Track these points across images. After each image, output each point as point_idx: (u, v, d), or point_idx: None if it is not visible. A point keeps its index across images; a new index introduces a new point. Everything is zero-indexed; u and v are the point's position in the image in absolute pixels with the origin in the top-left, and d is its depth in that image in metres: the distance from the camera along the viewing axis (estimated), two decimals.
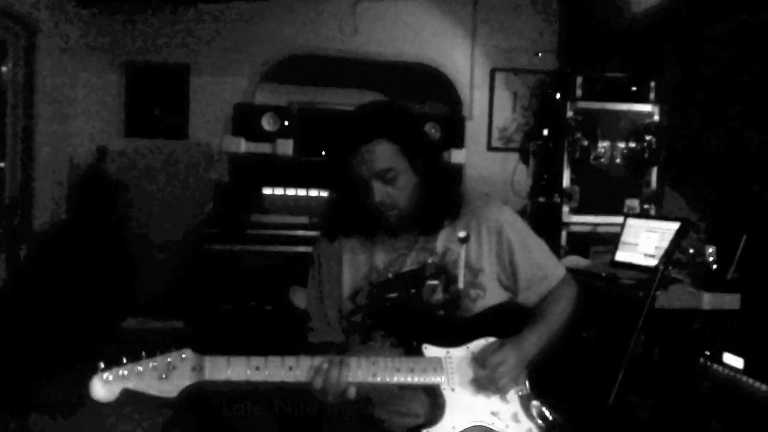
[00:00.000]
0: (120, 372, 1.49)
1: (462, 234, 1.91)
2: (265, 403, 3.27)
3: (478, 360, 1.79)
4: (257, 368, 1.61)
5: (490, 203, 1.99)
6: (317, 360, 1.67)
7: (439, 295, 1.88)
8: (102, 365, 1.49)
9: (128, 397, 1.48)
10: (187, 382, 1.54)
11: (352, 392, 1.67)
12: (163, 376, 1.52)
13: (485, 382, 1.76)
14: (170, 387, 1.52)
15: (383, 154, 1.80)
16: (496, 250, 1.92)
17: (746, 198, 3.53)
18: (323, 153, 5.05)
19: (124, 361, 1.51)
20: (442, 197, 1.92)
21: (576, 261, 3.60)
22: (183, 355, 1.55)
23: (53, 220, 5.12)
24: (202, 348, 1.60)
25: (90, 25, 5.51)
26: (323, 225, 2.06)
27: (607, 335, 3.21)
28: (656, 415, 2.77)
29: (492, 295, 1.90)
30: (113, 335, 4.86)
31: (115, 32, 5.59)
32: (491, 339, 1.84)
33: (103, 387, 1.48)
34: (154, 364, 1.52)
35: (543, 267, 1.97)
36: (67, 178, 5.38)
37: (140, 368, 1.51)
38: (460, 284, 1.87)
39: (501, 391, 1.79)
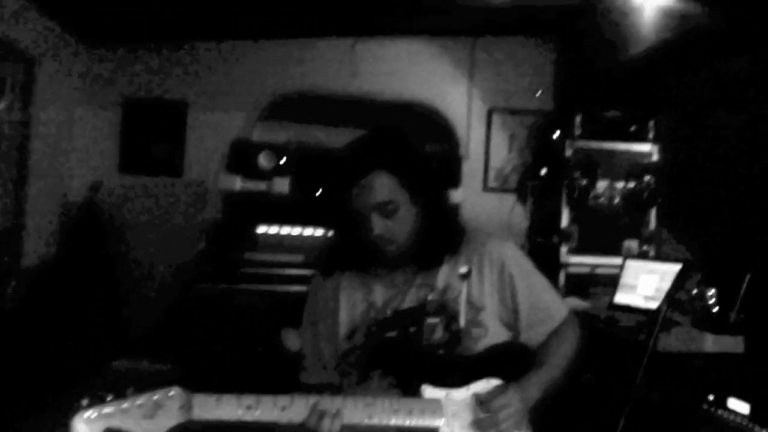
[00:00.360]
0: (104, 410, 1.42)
1: (463, 270, 1.85)
2: None
3: (481, 402, 1.72)
4: (248, 407, 1.54)
5: (492, 238, 1.94)
6: (312, 399, 1.60)
7: (439, 334, 1.82)
8: (85, 402, 1.42)
9: None
10: (174, 422, 1.47)
11: None
12: (150, 414, 1.44)
13: (487, 425, 1.69)
14: (156, 427, 1.45)
15: (382, 186, 1.75)
16: (497, 286, 1.86)
17: (747, 239, 3.49)
18: (319, 192, 5.03)
19: (109, 398, 1.44)
20: (443, 231, 1.86)
21: (574, 303, 3.54)
22: (170, 393, 1.49)
23: (43, 257, 5.04)
24: (191, 388, 1.54)
25: (89, 61, 5.50)
26: (320, 261, 2.00)
27: (606, 379, 3.14)
28: None
29: (494, 334, 1.83)
30: (101, 375, 4.74)
31: (113, 69, 5.59)
32: (493, 380, 1.78)
33: (86, 426, 1.40)
34: (140, 402, 1.45)
35: (546, 306, 1.91)
36: (60, 214, 5.32)
37: (125, 406, 1.43)
38: (462, 322, 1.80)
39: None
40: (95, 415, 1.40)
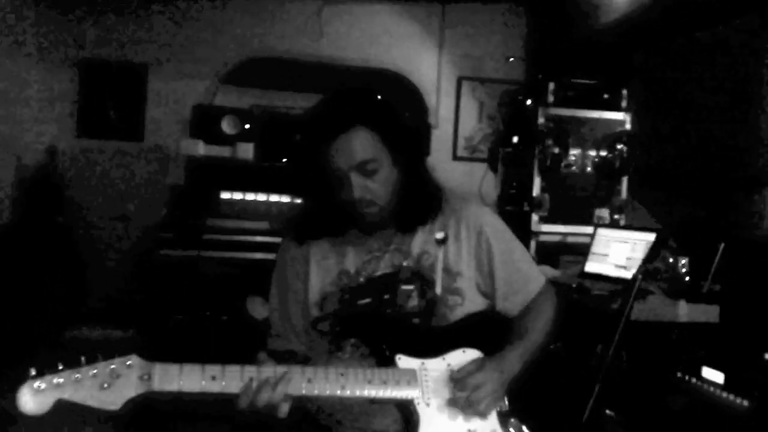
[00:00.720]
0: (54, 380, 1.30)
1: (440, 235, 1.77)
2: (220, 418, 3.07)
3: (457, 380, 1.63)
4: (213, 378, 1.43)
5: (469, 203, 1.86)
6: (280, 369, 1.50)
7: (414, 302, 1.74)
8: (33, 372, 1.30)
9: (63, 409, 1.29)
10: (132, 393, 1.36)
11: (283, 410, 1.50)
12: (105, 385, 1.33)
13: (464, 404, 1.61)
14: (113, 398, 1.34)
15: (363, 143, 1.64)
16: (475, 252, 1.78)
17: (719, 209, 3.48)
18: (286, 157, 4.92)
19: (60, 367, 1.32)
20: (425, 194, 1.77)
21: (545, 271, 3.48)
22: (129, 362, 1.37)
23: None
24: (154, 359, 1.42)
25: (44, 20, 5.25)
26: (290, 225, 1.89)
27: (576, 348, 3.11)
28: (631, 430, 2.66)
29: (470, 301, 1.76)
30: (57, 343, 4.61)
31: (70, 29, 5.35)
32: (469, 350, 1.71)
33: (34, 397, 1.28)
34: (95, 371, 1.33)
35: (523, 274, 1.85)
36: (15, 178, 5.11)
37: (78, 375, 1.31)
38: (438, 289, 1.73)
39: (481, 414, 1.64)
40: (44, 385, 1.29)
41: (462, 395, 1.61)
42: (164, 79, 5.49)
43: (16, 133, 5.10)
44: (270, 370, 1.49)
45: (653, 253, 2.39)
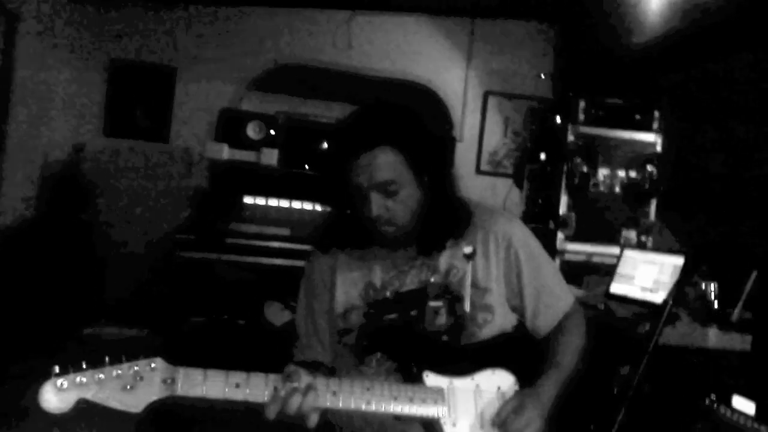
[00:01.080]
0: (78, 379, 1.27)
1: (468, 249, 1.72)
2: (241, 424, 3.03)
3: (498, 417, 1.58)
4: (237, 386, 1.40)
5: (498, 215, 1.81)
6: (305, 380, 1.46)
7: (443, 319, 1.69)
8: (57, 369, 1.27)
9: (84, 409, 1.27)
10: (155, 397, 1.33)
11: (313, 420, 1.46)
12: (128, 387, 1.30)
13: None
14: (135, 400, 1.31)
15: (386, 163, 1.60)
16: (504, 266, 1.73)
17: (748, 236, 3.41)
18: (308, 165, 4.91)
19: (84, 366, 1.29)
20: (448, 217, 1.71)
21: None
22: (153, 365, 1.34)
23: (22, 217, 4.86)
24: (170, 361, 1.39)
25: (77, 18, 5.29)
26: (318, 236, 1.86)
27: (599, 370, 3.05)
28: None
29: (500, 317, 1.71)
30: (75, 341, 4.60)
31: (102, 28, 5.38)
32: (498, 370, 1.66)
33: (56, 395, 1.25)
34: (119, 372, 1.30)
35: (552, 291, 1.79)
36: (40, 175, 5.13)
37: (102, 376, 1.29)
38: (467, 306, 1.68)
39: None
40: (67, 383, 1.26)
41: (496, 429, 1.57)
42: (192, 82, 5.52)
43: (44, 129, 5.12)
44: (296, 381, 1.45)
45: (686, 277, 2.34)
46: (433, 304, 1.70)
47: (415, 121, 1.68)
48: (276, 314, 4.22)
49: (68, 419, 1.30)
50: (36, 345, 3.86)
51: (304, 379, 1.45)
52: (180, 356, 1.42)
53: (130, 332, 4.84)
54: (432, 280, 1.72)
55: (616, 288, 3.41)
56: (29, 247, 4.61)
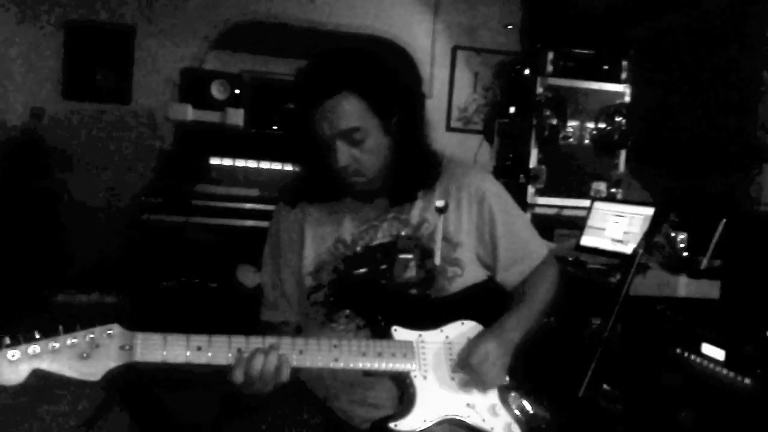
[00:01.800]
0: (30, 349, 1.22)
1: (440, 203, 1.68)
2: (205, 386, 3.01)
3: (460, 358, 1.57)
4: (199, 349, 1.36)
5: (471, 169, 1.77)
6: (269, 340, 1.43)
7: (412, 272, 1.66)
8: (8, 341, 1.22)
9: (40, 379, 1.22)
10: (113, 364, 1.28)
11: (285, 375, 1.42)
12: (84, 355, 1.25)
13: (474, 383, 1.55)
14: (92, 369, 1.26)
15: (350, 110, 1.54)
16: (476, 221, 1.70)
17: (718, 184, 3.42)
18: (275, 125, 4.83)
19: (37, 336, 1.24)
20: (418, 165, 1.66)
21: None
22: (109, 332, 1.29)
23: None
24: (141, 327, 1.34)
25: None
26: (286, 190, 1.80)
27: (570, 322, 3.06)
28: (628, 406, 2.62)
29: (470, 272, 1.69)
30: (45, 308, 4.53)
31: None
32: (467, 322, 1.64)
33: (8, 367, 1.20)
34: (74, 341, 1.25)
35: (526, 244, 1.77)
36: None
37: (56, 345, 1.24)
38: (437, 260, 1.65)
39: (490, 387, 1.58)
40: (18, 355, 1.21)
41: (467, 375, 1.55)
42: (152, 41, 5.37)
43: (1, 94, 4.97)
44: (258, 341, 1.42)
45: (655, 226, 2.33)
46: (402, 257, 1.67)
47: (378, 65, 1.61)
48: (248, 276, 4.17)
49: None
50: (4, 315, 3.78)
51: (266, 339, 1.42)
52: (151, 321, 1.38)
53: (101, 298, 4.78)
54: (403, 233, 1.68)
55: (587, 240, 3.41)
56: None
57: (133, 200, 4.71)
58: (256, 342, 1.42)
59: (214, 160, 4.42)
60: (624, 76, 3.96)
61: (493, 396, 1.60)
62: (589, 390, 2.06)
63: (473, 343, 1.57)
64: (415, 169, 1.66)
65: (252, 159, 4.49)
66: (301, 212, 1.75)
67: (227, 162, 4.44)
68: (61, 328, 1.25)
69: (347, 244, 1.70)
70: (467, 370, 1.55)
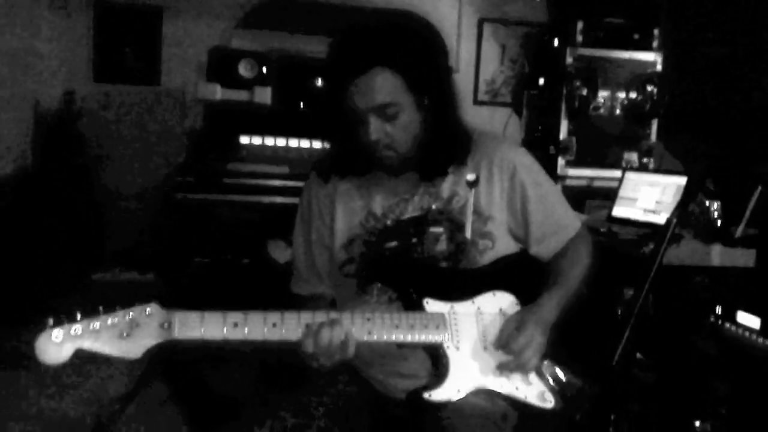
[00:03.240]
0: (73, 329, 1.25)
1: (471, 177, 1.68)
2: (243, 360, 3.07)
3: (500, 341, 1.57)
4: (235, 325, 1.38)
5: (502, 142, 1.77)
6: (305, 315, 1.45)
7: (443, 245, 1.67)
8: (51, 322, 1.25)
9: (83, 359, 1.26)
10: (152, 342, 1.32)
11: (350, 352, 1.46)
12: (125, 334, 1.29)
13: (513, 368, 1.56)
14: (133, 347, 1.29)
15: (384, 86, 1.54)
16: (508, 195, 1.70)
17: (752, 152, 3.36)
18: (302, 103, 4.84)
19: (78, 317, 1.27)
20: (450, 141, 1.67)
21: None
22: (148, 310, 1.33)
23: (18, 169, 4.82)
24: (175, 304, 1.37)
25: None
26: (318, 164, 1.81)
27: (601, 292, 3.05)
28: (662, 375, 2.62)
29: (501, 245, 1.69)
30: (82, 288, 4.62)
31: None
32: (499, 293, 1.65)
33: (53, 347, 1.24)
34: (114, 320, 1.29)
35: (559, 218, 1.77)
36: (33, 125, 5.07)
37: (96, 325, 1.27)
38: (468, 233, 1.65)
39: (528, 371, 1.59)
40: (62, 336, 1.24)
41: (509, 361, 1.56)
42: (179, 21, 5.38)
43: (33, 78, 5.04)
44: (294, 316, 1.44)
45: (689, 195, 2.31)
46: (433, 230, 1.67)
47: (413, 40, 1.61)
48: (279, 252, 4.21)
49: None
50: (42, 294, 3.87)
51: (303, 315, 1.44)
52: (186, 298, 1.41)
53: (136, 276, 4.86)
54: (434, 206, 1.69)
55: (619, 211, 3.39)
56: (29, 198, 4.59)
57: (165, 179, 4.77)
58: (292, 317, 1.44)
59: (244, 139, 4.45)
60: (655, 44, 3.89)
61: None
62: (623, 359, 2.06)
63: (514, 328, 1.57)
64: (446, 145, 1.67)
65: (280, 137, 4.51)
66: (332, 186, 1.76)
67: (256, 140, 4.47)
68: (101, 308, 1.28)
69: (378, 217, 1.71)
70: (507, 352, 1.56)
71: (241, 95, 4.59)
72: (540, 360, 1.60)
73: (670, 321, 2.61)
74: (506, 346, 1.56)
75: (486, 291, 1.64)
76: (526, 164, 1.74)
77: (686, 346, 2.51)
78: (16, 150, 4.87)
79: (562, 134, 3.76)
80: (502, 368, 1.57)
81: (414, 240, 1.67)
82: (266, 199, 4.19)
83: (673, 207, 2.18)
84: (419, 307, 1.57)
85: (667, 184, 3.22)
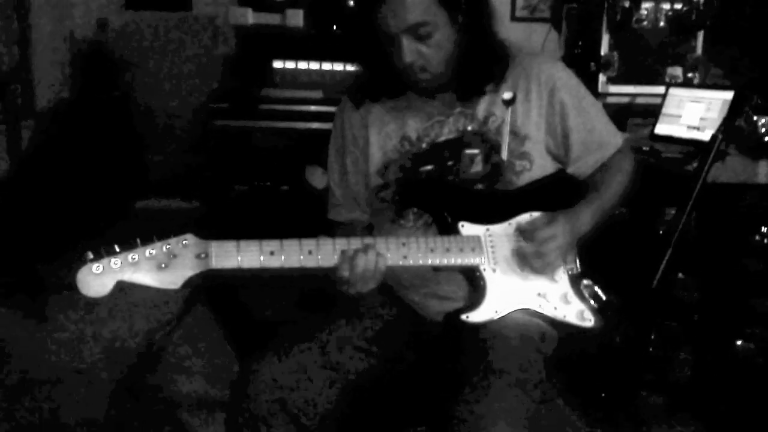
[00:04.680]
0: (112, 262, 1.27)
1: (507, 95, 1.63)
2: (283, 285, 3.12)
3: (525, 233, 1.56)
4: (271, 253, 1.39)
5: (539, 59, 1.72)
6: (340, 242, 1.45)
7: (478, 167, 1.64)
8: (91, 255, 1.27)
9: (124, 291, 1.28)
10: (191, 272, 1.33)
11: (378, 279, 1.46)
12: (163, 265, 1.30)
13: (532, 257, 1.54)
14: (172, 278, 1.31)
15: (416, 4, 1.49)
16: (546, 113, 1.65)
17: None
18: (336, 25, 4.73)
19: (117, 249, 1.29)
20: (486, 59, 1.62)
21: None
22: (185, 241, 1.33)
23: (56, 99, 4.87)
24: (218, 231, 1.39)
25: None
26: (350, 89, 1.78)
27: (643, 213, 3.01)
28: (704, 294, 2.59)
29: (538, 166, 1.65)
30: (127, 216, 4.72)
31: None
32: (536, 214, 1.62)
33: (94, 280, 1.26)
34: (152, 252, 1.30)
35: (600, 133, 1.71)
36: (69, 57, 5.08)
37: (135, 257, 1.29)
38: (504, 154, 1.62)
39: (548, 268, 1.57)
40: (102, 268, 1.26)
41: (530, 247, 1.54)
42: None
43: (65, 9, 5.02)
44: (329, 242, 1.44)
45: (735, 110, 2.22)
46: (468, 152, 1.65)
47: None
48: (317, 178, 4.22)
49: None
50: (88, 224, 3.96)
51: (338, 241, 1.44)
52: (226, 225, 1.42)
53: (179, 204, 4.94)
54: (469, 128, 1.66)
55: (662, 129, 3.29)
56: (69, 128, 4.64)
57: (201, 107, 4.77)
58: (327, 244, 1.44)
59: (277, 64, 4.40)
60: None
61: (564, 284, 1.60)
62: (663, 280, 2.04)
63: (543, 221, 1.56)
64: (482, 63, 1.62)
65: (314, 60, 4.45)
66: (364, 111, 1.74)
67: (290, 65, 4.41)
68: (138, 240, 1.30)
69: (413, 141, 1.68)
70: (528, 240, 1.54)
71: (273, 19, 4.51)
72: (561, 260, 1.58)
73: (714, 240, 2.56)
74: (530, 235, 1.54)
75: (522, 212, 1.62)
76: (565, 79, 1.68)
77: (730, 265, 2.47)
78: (54, 82, 4.90)
79: (604, 49, 3.63)
80: (521, 256, 1.55)
81: (449, 163, 1.65)
82: (301, 125, 4.16)
83: (719, 123, 2.12)
84: (455, 231, 1.56)
85: (713, 100, 3.11)
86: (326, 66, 4.44)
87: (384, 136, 1.71)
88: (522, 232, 1.57)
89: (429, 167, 1.66)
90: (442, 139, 1.67)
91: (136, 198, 5.02)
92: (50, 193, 4.17)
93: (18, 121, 4.42)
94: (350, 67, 4.32)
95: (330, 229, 1.83)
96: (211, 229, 1.40)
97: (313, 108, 4.18)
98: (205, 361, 3.03)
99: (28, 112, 4.59)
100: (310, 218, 1.96)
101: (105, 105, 4.93)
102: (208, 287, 3.39)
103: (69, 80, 5.06)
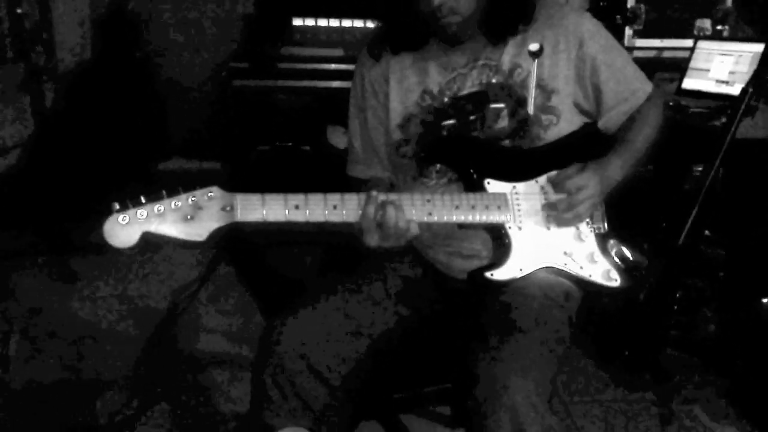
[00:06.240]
0: (138, 213, 1.27)
1: (534, 46, 1.59)
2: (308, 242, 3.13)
3: (557, 184, 1.53)
4: (296, 207, 1.37)
5: (567, 9, 1.66)
6: (364, 196, 1.43)
7: (504, 122, 1.60)
8: (117, 206, 1.27)
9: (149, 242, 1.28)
10: (216, 224, 1.32)
11: (413, 231, 1.43)
12: (189, 217, 1.29)
13: (563, 208, 1.51)
14: (198, 229, 1.30)
15: None
16: (575, 65, 1.60)
17: None
18: None
19: (143, 201, 1.28)
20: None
21: None
22: (210, 194, 1.32)
23: (80, 61, 4.87)
24: (240, 191, 1.37)
25: None
26: (370, 42, 1.75)
27: (669, 169, 2.96)
28: (731, 251, 2.56)
29: (565, 120, 1.62)
30: (147, 177, 4.73)
31: None
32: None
33: (121, 230, 1.26)
34: (178, 203, 1.29)
35: (630, 83, 1.66)
36: (89, 18, 5.06)
37: (161, 208, 1.28)
38: (530, 109, 1.58)
39: (577, 221, 1.55)
40: (128, 218, 1.26)
41: (559, 197, 1.52)
42: None
43: None
44: (354, 198, 1.42)
45: (766, 63, 2.17)
46: (493, 106, 1.61)
47: None
48: (338, 137, 4.19)
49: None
50: (110, 185, 3.98)
51: (362, 196, 1.42)
52: (249, 185, 1.41)
53: (200, 165, 4.95)
54: (493, 81, 1.62)
55: (689, 83, 3.23)
56: (91, 89, 4.65)
57: (221, 67, 4.74)
58: (352, 199, 1.42)
59: (297, 21, 4.34)
60: None
61: (591, 244, 1.58)
62: (690, 238, 2.01)
63: (574, 171, 1.53)
64: (512, 3, 1.57)
65: (333, 17, 4.38)
66: (384, 64, 1.70)
67: (309, 22, 4.35)
68: (164, 192, 1.29)
69: (434, 95, 1.65)
70: (558, 190, 1.52)
71: None
72: (591, 211, 1.56)
73: (741, 197, 2.52)
74: (561, 185, 1.52)
75: (549, 170, 1.58)
76: (594, 31, 1.63)
77: (756, 222, 2.43)
78: (75, 42, 4.90)
79: (630, 1, 3.54)
80: (551, 207, 1.53)
81: (473, 117, 1.62)
82: (322, 84, 4.12)
83: (749, 77, 2.07)
84: (480, 188, 1.54)
85: (742, 53, 3.04)
86: (346, 23, 4.38)
87: (405, 89, 1.68)
88: (553, 182, 1.54)
89: (451, 122, 1.63)
90: (465, 92, 1.63)
91: (158, 160, 5.02)
92: (74, 155, 4.20)
93: (41, 84, 4.42)
94: (370, 24, 4.27)
95: (350, 188, 1.81)
96: (233, 190, 1.39)
97: (333, 66, 4.13)
98: (230, 321, 3.06)
99: (50, 73, 4.59)
100: (332, 178, 1.95)
101: (126, 66, 4.92)
102: (232, 248, 3.42)
103: (90, 41, 5.04)
